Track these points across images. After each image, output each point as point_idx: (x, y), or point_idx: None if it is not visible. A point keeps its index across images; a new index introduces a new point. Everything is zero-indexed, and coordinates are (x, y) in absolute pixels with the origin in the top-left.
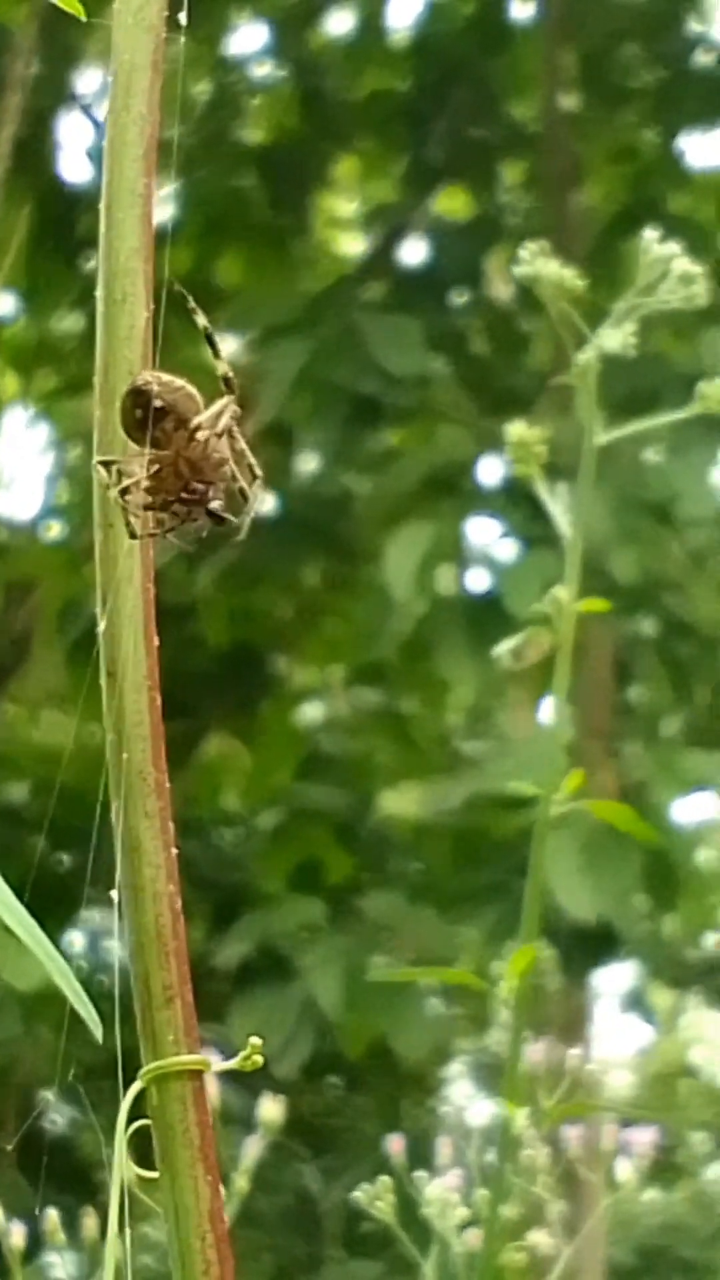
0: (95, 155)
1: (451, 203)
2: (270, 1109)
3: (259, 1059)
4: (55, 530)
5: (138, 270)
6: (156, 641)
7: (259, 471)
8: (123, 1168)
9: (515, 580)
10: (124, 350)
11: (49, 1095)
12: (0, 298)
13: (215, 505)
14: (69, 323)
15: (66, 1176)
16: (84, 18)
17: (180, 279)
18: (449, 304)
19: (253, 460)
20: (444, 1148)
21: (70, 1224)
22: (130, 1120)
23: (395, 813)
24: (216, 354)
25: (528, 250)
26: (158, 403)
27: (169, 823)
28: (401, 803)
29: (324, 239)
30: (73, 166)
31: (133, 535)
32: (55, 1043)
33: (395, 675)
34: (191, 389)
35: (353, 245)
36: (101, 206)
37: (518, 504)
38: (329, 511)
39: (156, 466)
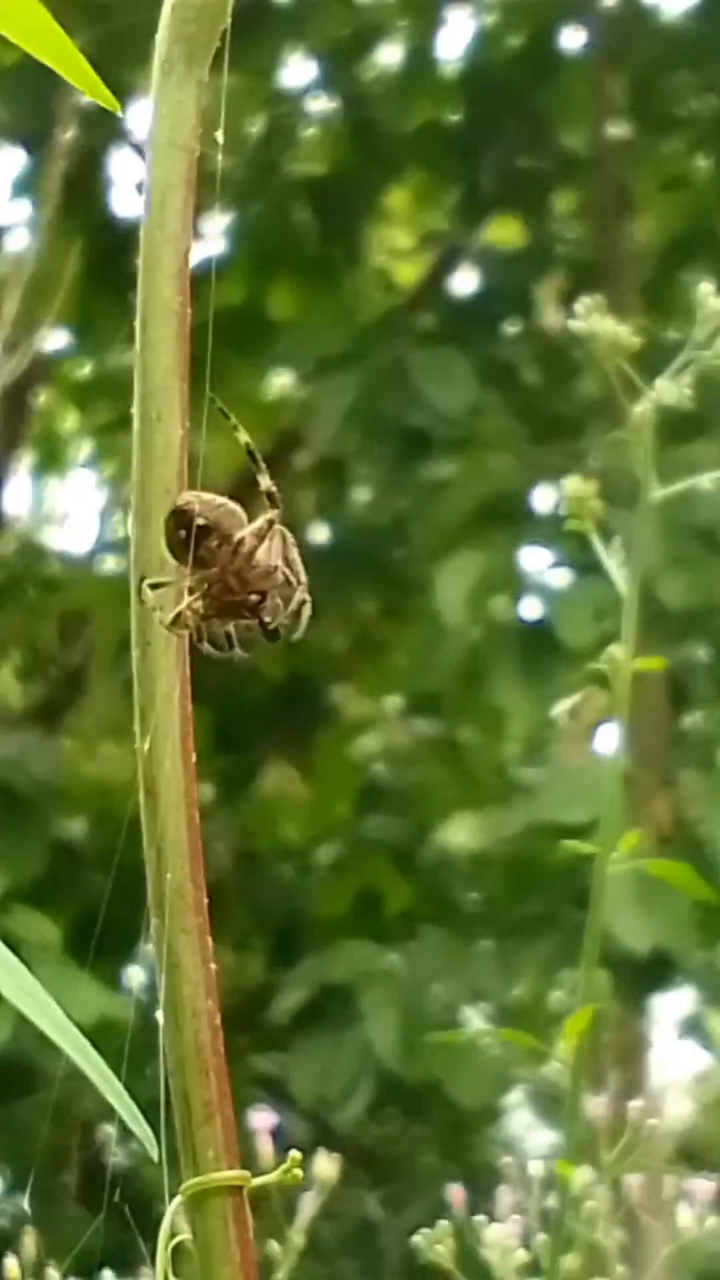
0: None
1: (503, 232)
2: (326, 1167)
3: (299, 1173)
4: (110, 563)
5: (173, 389)
6: (194, 758)
7: (304, 578)
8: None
9: (567, 608)
10: (160, 469)
11: (110, 1129)
12: (54, 334)
13: (267, 617)
14: (125, 358)
15: (127, 1206)
16: (119, 111)
17: (232, 312)
18: (500, 333)
19: (300, 569)
20: (505, 1195)
21: (127, 1257)
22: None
23: (453, 843)
24: (259, 469)
25: (583, 305)
26: (200, 521)
27: (207, 938)
28: (459, 832)
29: (380, 269)
30: (124, 202)
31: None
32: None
33: (451, 705)
34: (233, 505)
35: (411, 274)
36: (136, 324)
37: (570, 533)
38: (382, 542)
39: (205, 585)
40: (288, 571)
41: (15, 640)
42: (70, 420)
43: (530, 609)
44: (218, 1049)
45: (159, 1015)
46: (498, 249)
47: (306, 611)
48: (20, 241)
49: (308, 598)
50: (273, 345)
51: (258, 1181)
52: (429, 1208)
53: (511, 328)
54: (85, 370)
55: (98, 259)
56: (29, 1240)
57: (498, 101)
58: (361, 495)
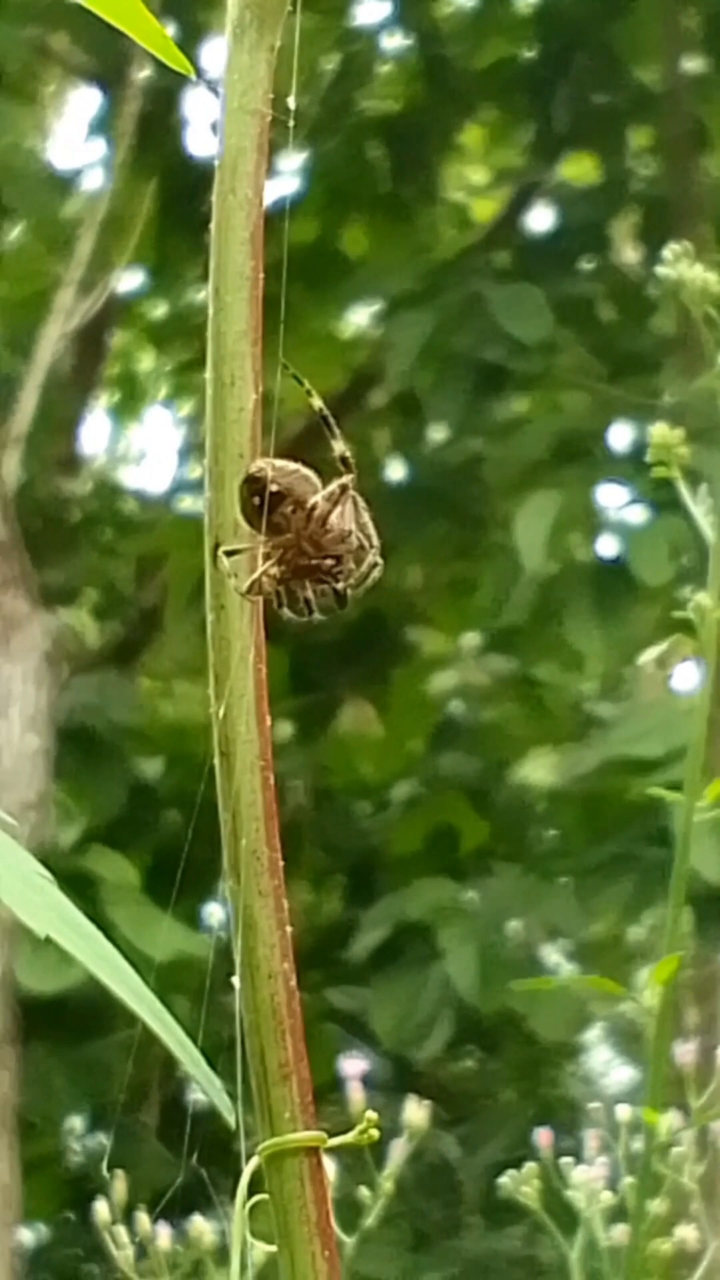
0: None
1: (577, 169)
2: (416, 1113)
3: (374, 1133)
4: (187, 503)
5: (246, 354)
6: (269, 721)
7: (376, 541)
8: (243, 1241)
9: (643, 546)
10: (234, 433)
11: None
12: (129, 274)
13: (341, 582)
14: (201, 296)
15: (207, 1146)
16: (191, 74)
17: (306, 250)
18: (575, 270)
19: (372, 531)
20: (591, 1139)
21: (207, 1193)
22: (250, 1192)
23: (529, 780)
24: (333, 435)
25: (670, 252)
26: (274, 487)
27: (283, 901)
28: (536, 770)
29: (454, 206)
30: (198, 141)
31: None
32: (193, 1012)
33: (527, 642)
34: (306, 470)
35: (485, 211)
36: (209, 289)
37: (645, 470)
38: (457, 480)
39: (280, 550)
40: (360, 536)
41: (92, 580)
42: (147, 360)
43: (606, 546)
44: (294, 1010)
45: (235, 979)
46: (572, 185)
47: (376, 574)
48: (95, 181)
49: (379, 561)
50: (347, 283)
51: (333, 1142)
52: (507, 1145)
53: (586, 264)
54: (161, 310)
55: (172, 198)
56: (119, 1185)
57: (571, 37)
58: (437, 434)
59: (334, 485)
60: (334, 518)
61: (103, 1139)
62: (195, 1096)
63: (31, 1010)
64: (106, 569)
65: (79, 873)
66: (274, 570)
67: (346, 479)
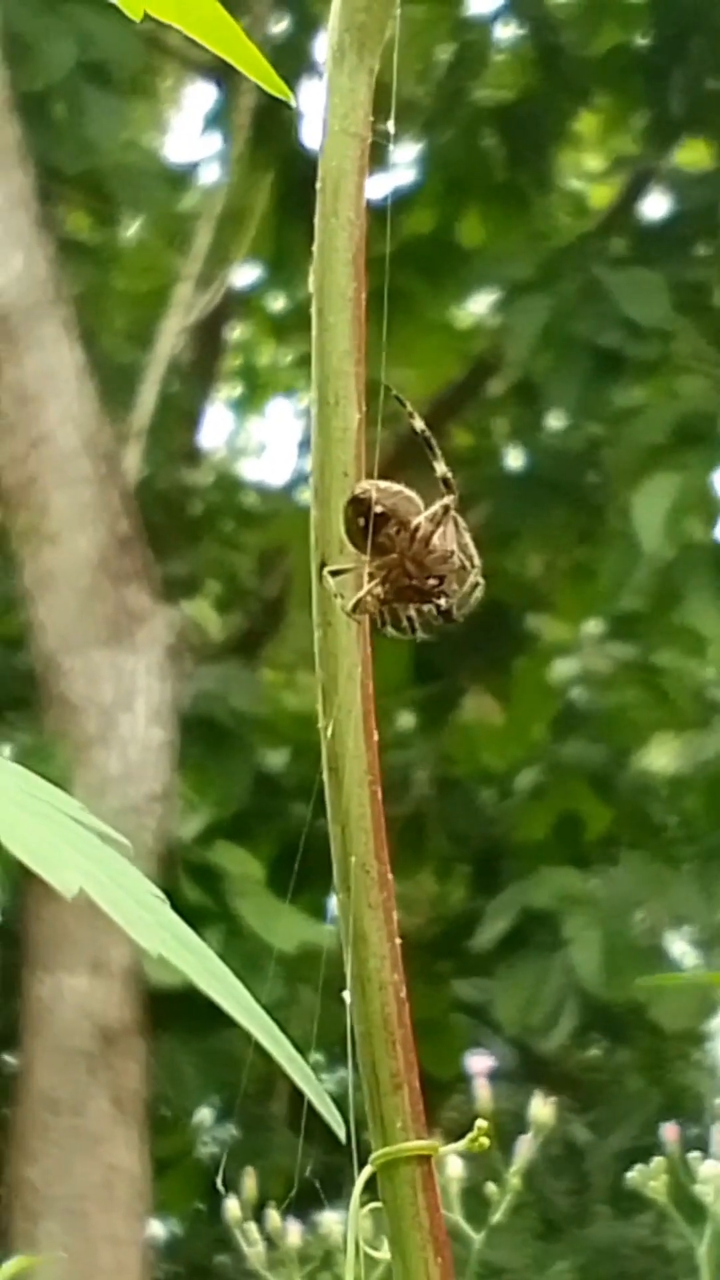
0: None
1: (693, 154)
2: (542, 1110)
3: (486, 1140)
4: (307, 495)
5: (350, 373)
6: (376, 736)
7: (478, 561)
8: (358, 1248)
9: None
10: (338, 452)
11: (318, 1057)
12: (247, 267)
13: (443, 603)
14: None
15: (331, 1137)
16: (289, 98)
17: (422, 240)
18: (691, 255)
19: (474, 551)
20: (718, 1134)
21: (333, 1185)
22: (363, 1201)
23: (652, 766)
24: (435, 455)
25: None
26: (378, 509)
27: (392, 914)
28: (659, 756)
29: (570, 194)
30: (314, 134)
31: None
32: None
33: (649, 628)
34: (409, 491)
35: (602, 197)
36: (313, 310)
37: None
38: (576, 467)
39: (384, 570)
40: (462, 556)
41: (213, 572)
42: (266, 353)
43: None
44: (404, 1020)
45: (346, 994)
46: (687, 171)
47: (478, 595)
48: (212, 176)
49: (481, 580)
50: (464, 272)
51: (445, 1150)
52: (634, 1133)
53: (702, 250)
54: (280, 302)
55: (288, 191)
56: (249, 1182)
57: (685, 23)
58: (555, 422)
59: (436, 506)
60: (436, 538)
61: (233, 1130)
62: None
63: (160, 1002)
64: (228, 561)
65: (204, 865)
66: (378, 590)
67: (448, 499)
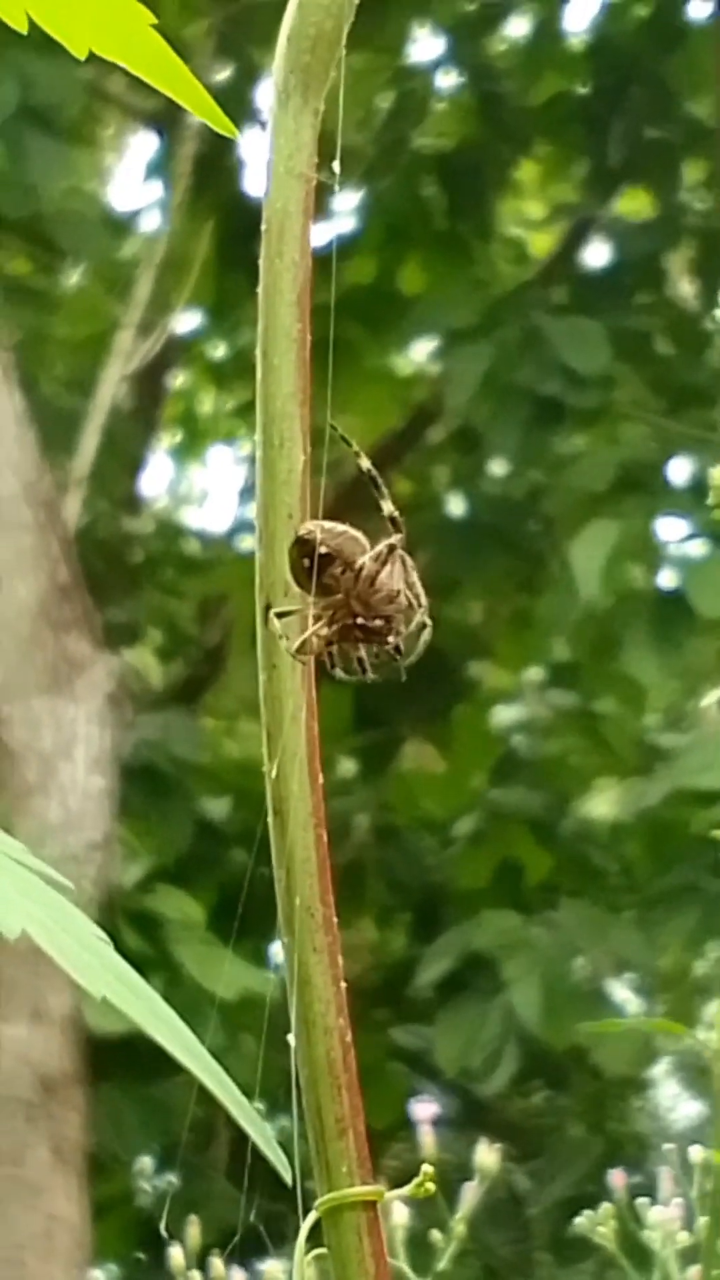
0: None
1: (633, 203)
2: (487, 1155)
3: (431, 1186)
4: (249, 542)
5: (295, 415)
6: (321, 779)
7: (425, 600)
8: None
9: (702, 578)
10: (283, 494)
11: (259, 1105)
12: (188, 314)
13: (392, 639)
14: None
15: (273, 1185)
16: (235, 135)
17: (363, 289)
18: (631, 304)
19: (421, 591)
20: (666, 1178)
21: (277, 1230)
22: (308, 1247)
23: (593, 813)
24: (382, 495)
25: None
26: (323, 549)
27: (338, 957)
28: (600, 803)
29: (510, 242)
30: (255, 182)
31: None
32: (259, 1051)
33: (588, 676)
34: (354, 532)
35: (542, 245)
36: (258, 352)
37: (705, 503)
38: (517, 514)
39: (330, 611)
40: (409, 595)
41: (154, 620)
42: (207, 400)
43: (666, 579)
44: (349, 1065)
45: (290, 1038)
46: (627, 220)
47: (426, 636)
48: (153, 223)
49: (429, 621)
50: (405, 320)
51: (391, 1196)
52: (576, 1180)
53: (642, 298)
54: (220, 350)
55: (229, 239)
56: (193, 1229)
57: (624, 72)
58: (496, 469)
59: (382, 545)
60: (383, 577)
61: (172, 1179)
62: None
63: (101, 1050)
64: (169, 609)
65: (145, 912)
66: (324, 631)
67: (395, 539)
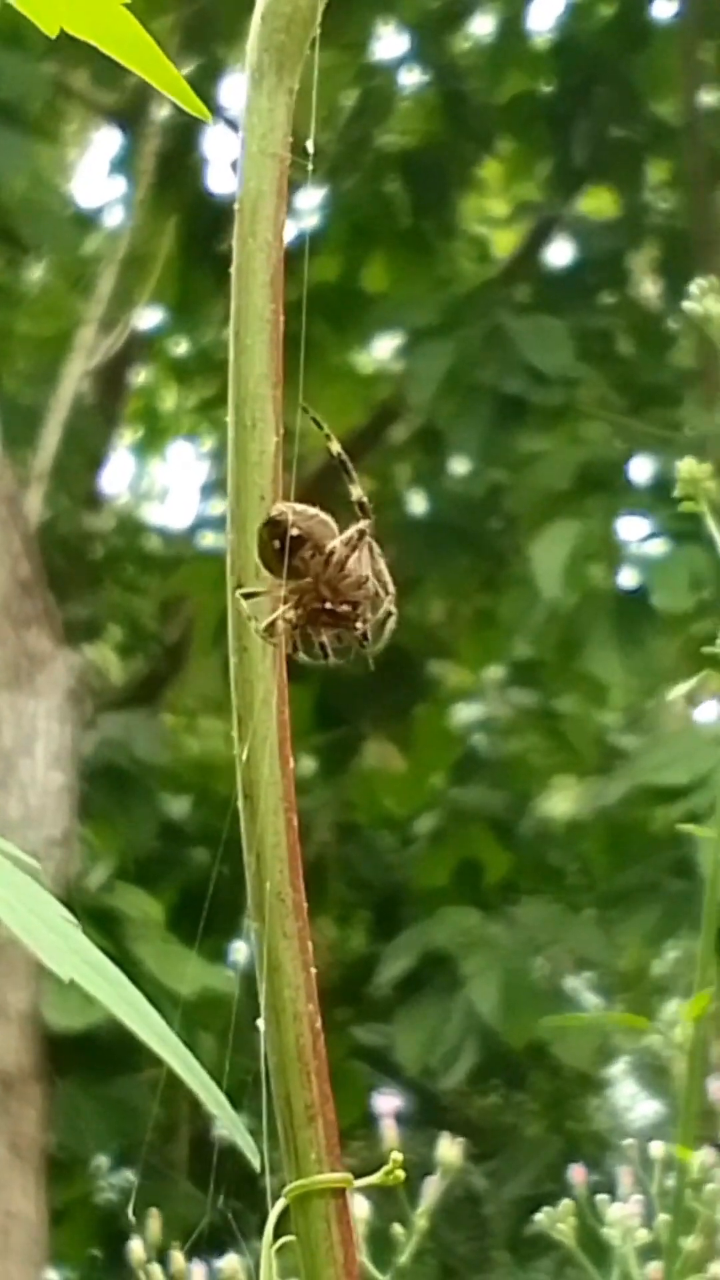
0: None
1: (596, 202)
2: (449, 1150)
3: (400, 1174)
4: (210, 539)
5: (266, 396)
6: (292, 764)
7: (392, 589)
8: None
9: (663, 576)
10: (254, 476)
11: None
12: (150, 311)
13: (359, 625)
14: (223, 334)
15: (236, 1182)
16: (209, 119)
17: (328, 286)
18: (595, 303)
19: (388, 579)
20: (625, 1175)
21: (233, 1230)
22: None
23: (553, 812)
24: (352, 479)
25: (697, 287)
26: (294, 531)
27: (308, 943)
28: (559, 802)
29: (474, 240)
30: (218, 179)
31: (270, 637)
32: (220, 1049)
33: (549, 674)
34: (325, 516)
35: (506, 243)
36: (230, 332)
37: (666, 501)
38: (479, 513)
39: (298, 594)
40: (376, 583)
41: (115, 617)
42: (169, 397)
43: (627, 578)
44: (319, 1051)
45: (260, 1023)
46: (591, 219)
47: (391, 624)
48: (116, 219)
49: (394, 610)
50: (368, 318)
51: (360, 1183)
52: (534, 1179)
53: (606, 298)
54: (182, 346)
55: (192, 236)
56: (154, 1223)
57: (589, 71)
58: (459, 468)
59: (352, 530)
60: (351, 563)
61: (131, 1177)
62: (223, 1133)
63: (60, 1047)
64: (130, 605)
65: (104, 910)
66: (291, 614)
67: (364, 524)
